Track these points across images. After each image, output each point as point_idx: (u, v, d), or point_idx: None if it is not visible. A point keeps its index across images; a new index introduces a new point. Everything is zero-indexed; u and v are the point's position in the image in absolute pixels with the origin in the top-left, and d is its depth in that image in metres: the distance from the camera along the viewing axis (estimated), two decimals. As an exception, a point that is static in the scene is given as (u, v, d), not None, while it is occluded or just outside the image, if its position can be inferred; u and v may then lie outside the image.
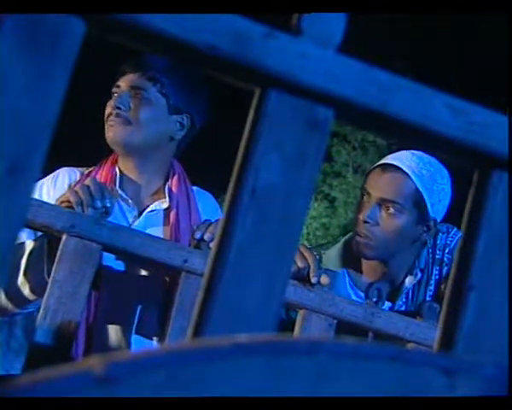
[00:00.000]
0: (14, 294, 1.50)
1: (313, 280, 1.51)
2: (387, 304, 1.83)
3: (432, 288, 1.90)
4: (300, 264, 1.50)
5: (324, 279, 1.52)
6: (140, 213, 1.69)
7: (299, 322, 1.52)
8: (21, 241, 1.53)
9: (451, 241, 1.92)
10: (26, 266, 1.48)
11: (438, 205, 1.83)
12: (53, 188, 1.70)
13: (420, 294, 1.89)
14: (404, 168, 1.80)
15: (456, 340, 0.59)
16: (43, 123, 0.48)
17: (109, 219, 1.45)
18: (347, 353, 0.45)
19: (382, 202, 1.79)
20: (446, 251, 1.91)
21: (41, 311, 1.36)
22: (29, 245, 1.50)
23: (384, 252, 1.82)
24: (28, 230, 1.50)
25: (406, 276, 1.89)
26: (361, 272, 1.91)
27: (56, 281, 1.37)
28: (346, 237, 1.97)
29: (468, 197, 0.62)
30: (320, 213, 15.71)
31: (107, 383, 0.39)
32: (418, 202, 1.80)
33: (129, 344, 1.59)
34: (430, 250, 1.91)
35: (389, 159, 1.86)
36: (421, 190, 1.79)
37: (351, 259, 1.91)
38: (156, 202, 1.70)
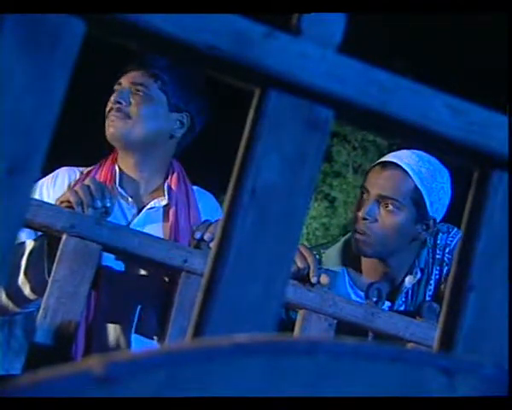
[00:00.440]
0: (14, 293, 1.50)
1: (313, 280, 1.51)
2: (387, 304, 1.83)
3: (432, 288, 1.90)
4: (300, 264, 1.50)
5: (324, 279, 1.52)
6: (139, 211, 1.69)
7: (299, 322, 1.52)
8: (22, 240, 1.53)
9: (452, 241, 1.92)
10: (26, 265, 1.48)
11: (437, 204, 1.83)
12: (53, 187, 1.71)
13: (420, 294, 1.89)
14: (404, 166, 1.80)
15: (456, 340, 0.59)
16: (43, 123, 0.48)
17: (109, 217, 1.45)
18: (347, 353, 0.45)
19: (381, 199, 1.80)
20: (446, 251, 1.91)
21: (41, 311, 1.36)
22: (29, 245, 1.50)
23: (382, 250, 1.82)
24: (28, 230, 1.50)
25: (406, 275, 1.89)
26: (361, 272, 1.91)
27: (56, 281, 1.37)
28: (346, 236, 1.97)
29: (468, 197, 0.62)
30: (320, 213, 15.71)
31: (106, 383, 0.39)
32: (417, 200, 1.80)
33: (129, 344, 1.59)
34: (430, 250, 1.91)
35: (389, 157, 1.87)
36: (420, 187, 1.79)
37: (351, 258, 1.91)
38: (155, 200, 1.71)
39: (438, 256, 1.91)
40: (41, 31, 0.48)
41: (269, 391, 0.43)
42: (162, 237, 1.64)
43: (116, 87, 1.73)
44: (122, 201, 1.69)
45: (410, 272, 1.89)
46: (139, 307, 1.61)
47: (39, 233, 1.48)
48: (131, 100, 1.70)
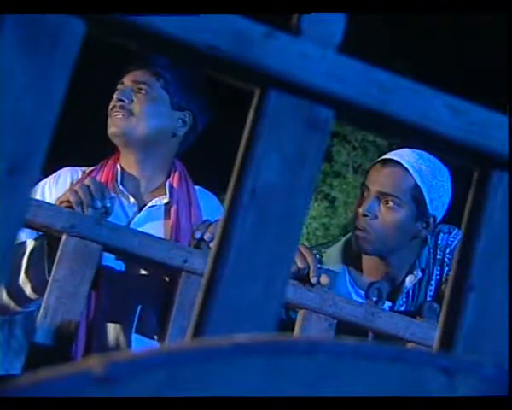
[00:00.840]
0: (15, 292, 1.51)
1: (313, 280, 1.51)
2: (387, 304, 1.83)
3: (432, 288, 1.90)
4: (300, 264, 1.50)
5: (324, 279, 1.52)
6: (140, 209, 1.69)
7: (299, 322, 1.52)
8: (22, 240, 1.53)
9: (453, 241, 1.92)
10: (26, 265, 1.49)
11: (437, 201, 1.83)
12: (55, 187, 1.71)
13: (420, 294, 1.89)
14: (404, 163, 1.81)
15: (456, 340, 0.59)
16: (43, 123, 0.48)
17: (109, 217, 1.45)
18: (347, 353, 0.45)
19: (381, 196, 1.80)
20: (447, 251, 1.91)
21: (41, 311, 1.36)
22: (30, 244, 1.50)
23: (383, 247, 1.82)
24: (29, 230, 1.50)
25: (407, 275, 1.89)
26: (361, 272, 1.91)
27: (56, 281, 1.37)
28: (347, 236, 1.97)
29: (468, 197, 0.62)
30: (320, 213, 15.71)
31: (106, 383, 0.39)
32: (417, 197, 1.80)
33: (129, 344, 1.59)
34: (431, 250, 1.91)
35: (389, 155, 1.88)
36: (419, 184, 1.80)
37: (351, 257, 1.92)
38: (157, 198, 1.71)
39: (438, 257, 1.91)
40: (41, 31, 0.48)
41: (269, 391, 0.43)
42: (163, 235, 1.65)
43: (119, 86, 1.74)
44: (123, 199, 1.70)
45: (410, 272, 1.89)
46: (139, 306, 1.61)
47: (40, 233, 1.48)
48: (134, 98, 1.70)
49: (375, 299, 1.58)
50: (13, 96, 0.47)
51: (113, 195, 1.59)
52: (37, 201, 1.44)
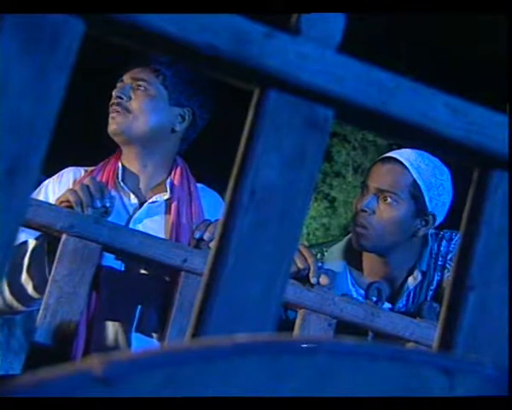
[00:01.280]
0: (18, 291, 1.51)
1: (313, 281, 1.51)
2: (387, 305, 1.84)
3: (432, 293, 1.90)
4: (300, 264, 1.50)
5: (324, 280, 1.52)
6: (141, 205, 1.70)
7: (299, 322, 1.52)
8: (24, 240, 1.54)
9: (454, 248, 1.92)
10: (28, 264, 1.49)
11: (436, 200, 1.84)
12: (58, 187, 1.71)
13: (421, 297, 1.89)
14: (402, 160, 1.83)
15: (456, 340, 0.59)
16: (43, 123, 0.48)
17: (109, 217, 1.45)
18: (347, 352, 0.45)
19: (380, 193, 1.82)
20: (448, 258, 1.92)
21: (41, 311, 1.37)
22: (31, 243, 1.51)
23: (381, 243, 1.83)
24: (29, 230, 1.50)
25: (407, 277, 1.90)
26: (362, 271, 1.91)
27: (56, 281, 1.37)
28: (349, 235, 1.97)
29: (468, 197, 0.62)
30: (320, 213, 15.69)
31: (106, 383, 0.39)
32: (415, 194, 1.82)
33: (129, 344, 1.59)
34: (433, 256, 1.91)
35: (389, 153, 1.89)
36: (418, 181, 1.81)
37: (353, 257, 1.92)
38: (157, 195, 1.71)
39: (440, 263, 1.92)
40: (41, 31, 0.48)
41: (268, 391, 0.43)
42: (163, 231, 1.65)
43: (118, 84, 1.75)
44: (124, 196, 1.70)
45: (411, 273, 1.89)
46: (139, 306, 1.61)
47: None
48: (132, 95, 1.70)
49: (374, 299, 1.58)
50: (13, 95, 0.47)
51: (113, 194, 1.59)
52: (37, 201, 1.44)
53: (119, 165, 1.74)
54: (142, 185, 1.74)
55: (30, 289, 1.49)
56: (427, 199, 1.82)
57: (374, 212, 1.82)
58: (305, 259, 1.51)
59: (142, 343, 1.59)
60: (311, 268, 1.51)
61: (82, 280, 1.39)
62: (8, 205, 0.47)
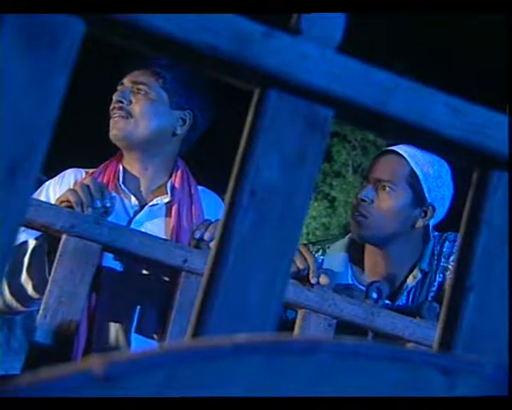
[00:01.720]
0: (18, 291, 1.51)
1: (313, 281, 1.51)
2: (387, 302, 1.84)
3: (434, 294, 1.90)
4: (300, 264, 1.50)
5: (324, 279, 1.52)
6: (142, 208, 1.70)
7: (299, 322, 1.52)
8: (24, 240, 1.54)
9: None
10: (28, 264, 1.49)
11: (436, 191, 1.86)
12: (59, 188, 1.71)
13: (421, 296, 1.90)
14: (400, 151, 1.86)
15: (456, 340, 0.59)
16: (43, 123, 0.48)
17: (111, 214, 1.45)
18: (347, 352, 0.45)
19: (378, 183, 1.85)
20: (451, 260, 1.92)
21: (41, 310, 1.37)
22: (31, 243, 1.51)
23: (380, 233, 1.84)
24: (29, 230, 1.50)
25: (407, 276, 1.90)
26: (363, 269, 1.92)
27: (56, 281, 1.37)
28: (350, 234, 1.98)
29: (467, 197, 0.62)
30: (320, 212, 15.71)
31: (106, 383, 0.39)
32: (413, 184, 1.84)
33: (128, 344, 1.59)
34: (436, 256, 1.92)
35: (387, 147, 1.93)
36: (416, 170, 1.84)
37: (354, 254, 1.93)
38: (158, 197, 1.71)
39: (443, 264, 1.92)
40: (41, 31, 0.48)
41: (268, 391, 0.43)
42: (163, 233, 1.65)
43: (119, 87, 1.74)
44: (125, 198, 1.70)
45: (411, 272, 1.90)
46: (139, 306, 1.61)
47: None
48: (132, 99, 1.70)
49: (375, 296, 1.59)
50: (13, 96, 0.47)
51: (113, 194, 1.59)
52: (37, 201, 1.44)
53: (120, 167, 1.74)
54: (142, 188, 1.74)
55: (30, 289, 1.49)
56: (425, 189, 1.84)
57: (372, 201, 1.84)
58: (305, 259, 1.51)
59: (142, 343, 1.59)
60: (311, 268, 1.51)
61: (82, 280, 1.39)
62: (8, 205, 0.47)
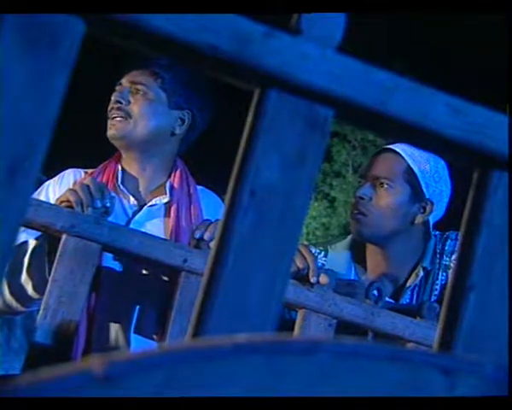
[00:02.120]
0: (18, 292, 1.51)
1: (312, 280, 1.51)
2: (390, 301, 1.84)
3: (437, 293, 1.91)
4: (300, 264, 1.50)
5: (323, 279, 1.52)
6: (141, 208, 1.70)
7: (299, 322, 1.52)
8: (24, 240, 1.54)
9: None
10: (28, 264, 1.49)
11: (433, 187, 1.87)
12: (59, 188, 1.71)
13: (425, 295, 1.90)
14: (396, 149, 1.88)
15: (456, 340, 0.59)
16: (43, 123, 0.48)
17: (109, 217, 1.45)
18: (347, 352, 0.45)
19: (376, 180, 1.86)
20: (453, 258, 1.92)
21: (41, 310, 1.37)
22: (31, 243, 1.51)
23: (380, 231, 1.84)
24: (29, 230, 1.50)
25: (409, 275, 1.90)
26: (365, 269, 1.92)
27: (56, 281, 1.37)
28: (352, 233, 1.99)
29: (468, 197, 0.62)
30: (320, 213, 15.71)
31: (106, 383, 0.39)
32: (411, 180, 1.85)
33: (128, 344, 1.59)
34: (438, 254, 1.92)
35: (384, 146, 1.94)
36: (412, 167, 1.85)
37: (357, 254, 1.93)
38: (157, 198, 1.71)
39: (445, 262, 1.92)
40: (41, 31, 0.48)
41: (268, 391, 0.43)
42: (163, 234, 1.65)
43: (117, 87, 1.74)
44: (124, 199, 1.70)
45: (413, 271, 1.90)
46: (139, 306, 1.61)
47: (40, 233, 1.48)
48: (131, 99, 1.70)
49: (375, 294, 1.59)
50: (13, 96, 0.47)
51: (113, 194, 1.59)
52: (37, 201, 1.44)
53: (119, 167, 1.74)
54: (141, 188, 1.74)
55: (30, 289, 1.49)
56: (423, 184, 1.85)
57: (371, 199, 1.85)
58: (305, 258, 1.51)
59: (142, 343, 1.59)
60: (311, 268, 1.51)
61: (82, 280, 1.39)
62: (8, 205, 0.47)
